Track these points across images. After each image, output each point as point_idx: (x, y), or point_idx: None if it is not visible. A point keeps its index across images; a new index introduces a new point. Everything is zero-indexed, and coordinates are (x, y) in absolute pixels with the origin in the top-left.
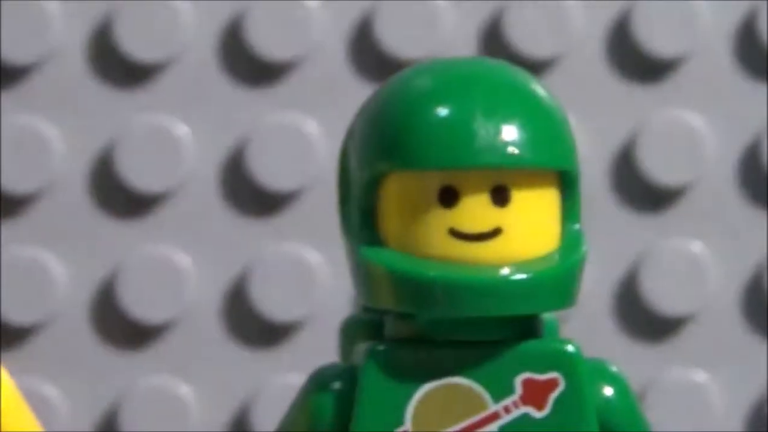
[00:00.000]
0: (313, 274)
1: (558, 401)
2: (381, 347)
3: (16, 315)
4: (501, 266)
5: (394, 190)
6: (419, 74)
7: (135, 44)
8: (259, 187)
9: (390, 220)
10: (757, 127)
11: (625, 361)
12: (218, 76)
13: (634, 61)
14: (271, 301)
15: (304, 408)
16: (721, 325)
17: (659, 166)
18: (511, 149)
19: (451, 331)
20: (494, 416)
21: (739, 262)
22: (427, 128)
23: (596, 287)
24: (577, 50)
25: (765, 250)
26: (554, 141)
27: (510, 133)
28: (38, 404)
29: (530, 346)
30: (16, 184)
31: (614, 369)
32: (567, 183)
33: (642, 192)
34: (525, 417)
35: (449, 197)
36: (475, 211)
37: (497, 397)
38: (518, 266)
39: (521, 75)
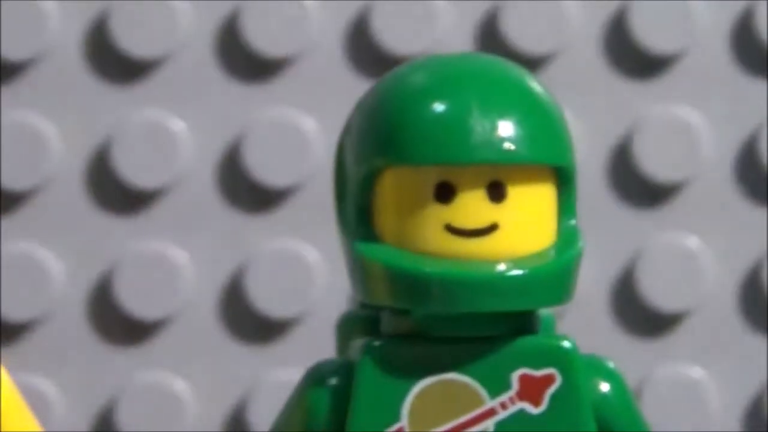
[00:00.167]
0: (309, 270)
1: (554, 397)
2: (377, 343)
3: (13, 311)
4: (497, 262)
5: (391, 186)
6: (415, 70)
7: (131, 40)
8: (256, 183)
9: (386, 216)
10: (754, 123)
11: (621, 357)
12: (215, 72)
13: (631, 57)
14: (268, 297)
15: (300, 403)
16: (718, 322)
17: (656, 162)
18: (508, 145)
19: (448, 327)
20: (490, 412)
21: (736, 258)
22: (423, 124)
23: (593, 283)
24: (574, 46)
25: (762, 246)
26: (550, 137)
27: (506, 129)
28: (35, 400)
29: (526, 342)
30: (12, 180)
31: (610, 365)
32: (563, 179)
33: (639, 188)
34: (521, 413)
35: (445, 193)
36: (472, 206)
37: (493, 393)
38: (514, 262)
39: (517, 71)
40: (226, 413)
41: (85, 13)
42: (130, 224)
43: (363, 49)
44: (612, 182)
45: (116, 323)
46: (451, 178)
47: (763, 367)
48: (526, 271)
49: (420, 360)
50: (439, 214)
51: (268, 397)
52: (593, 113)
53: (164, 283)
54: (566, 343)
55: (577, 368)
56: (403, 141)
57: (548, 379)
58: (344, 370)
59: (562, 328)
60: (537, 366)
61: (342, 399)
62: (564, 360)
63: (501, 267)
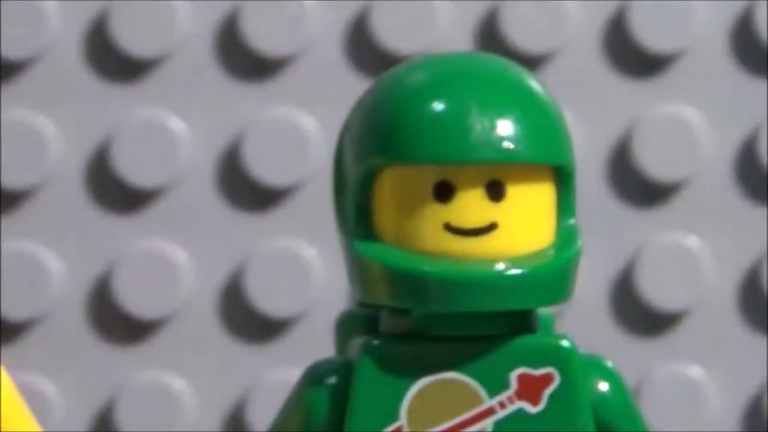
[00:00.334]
0: (308, 269)
1: (553, 396)
2: (376, 342)
3: (12, 310)
4: (496, 261)
5: (390, 185)
6: (415, 69)
7: (131, 39)
8: (255, 182)
9: (385, 215)
10: (754, 122)
11: (620, 356)
12: (214, 71)
13: (631, 57)
14: (267, 296)
15: (299, 403)
16: (717, 321)
17: (655, 162)
18: (507, 144)
19: (446, 326)
20: (489, 411)
21: (736, 257)
22: (422, 123)
23: (592, 282)
24: (574, 45)
25: (761, 246)
26: (549, 136)
27: (505, 128)
28: (33, 399)
29: (525, 341)
30: (12, 178)
31: (609, 364)
32: (562, 178)
33: (638, 187)
34: (520, 412)
35: (444, 192)
36: (471, 206)
37: (492, 392)
38: (513, 261)
39: (517, 70)
40: (225, 412)
41: (84, 12)
42: (130, 223)
43: (362, 48)
44: (611, 181)
45: (116, 322)
46: (450, 177)
47: (763, 366)
48: (525, 270)
49: (419, 359)
50: (438, 214)
51: (267, 396)
52: (593, 112)
53: (164, 282)
54: (565, 343)
55: (575, 368)
56: (402, 140)
57: (547, 379)
58: (343, 369)
59: (561, 327)
60: (536, 365)
61: (341, 398)
62: (563, 359)
63: (500, 266)
